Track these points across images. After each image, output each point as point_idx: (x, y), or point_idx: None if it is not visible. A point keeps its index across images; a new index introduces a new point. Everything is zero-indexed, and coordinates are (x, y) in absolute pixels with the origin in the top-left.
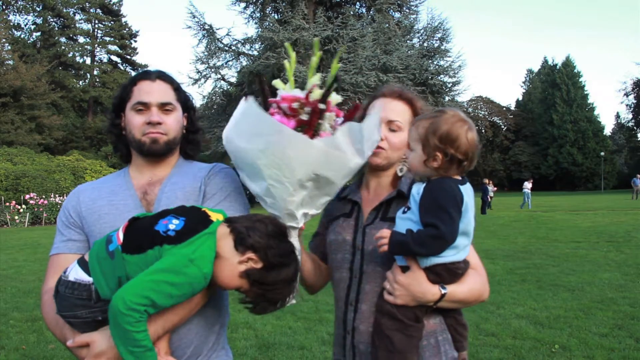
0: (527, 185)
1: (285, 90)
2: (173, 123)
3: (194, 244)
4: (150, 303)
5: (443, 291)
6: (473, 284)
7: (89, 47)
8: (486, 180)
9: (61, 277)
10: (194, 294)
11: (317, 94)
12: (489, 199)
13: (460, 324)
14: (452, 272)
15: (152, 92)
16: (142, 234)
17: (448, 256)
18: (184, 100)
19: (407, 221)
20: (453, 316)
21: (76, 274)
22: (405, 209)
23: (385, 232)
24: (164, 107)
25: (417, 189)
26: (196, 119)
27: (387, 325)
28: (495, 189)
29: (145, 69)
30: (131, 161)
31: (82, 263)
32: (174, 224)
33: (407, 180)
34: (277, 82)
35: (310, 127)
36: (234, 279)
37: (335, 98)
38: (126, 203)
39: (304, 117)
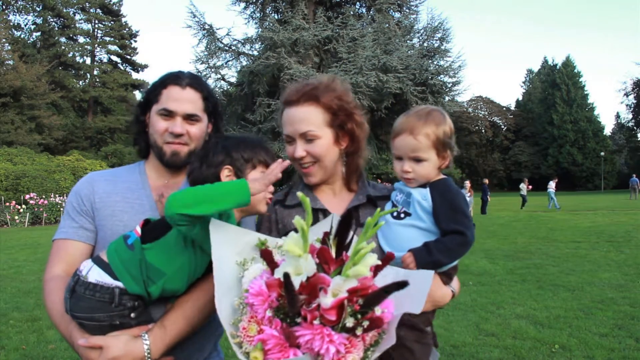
0: (552, 184)
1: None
2: (197, 133)
3: None
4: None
5: (453, 291)
6: (457, 280)
7: (89, 47)
8: (486, 181)
9: (79, 278)
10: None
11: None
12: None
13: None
14: (455, 271)
15: (180, 100)
16: (159, 225)
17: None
18: (212, 108)
19: (411, 228)
20: (433, 313)
21: (98, 275)
22: (401, 214)
23: (409, 257)
24: (189, 118)
25: (421, 194)
26: (222, 126)
27: (407, 337)
28: (530, 187)
29: (178, 72)
30: (149, 158)
31: (101, 264)
32: None
33: (365, 181)
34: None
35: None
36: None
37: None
38: (142, 203)
39: (349, 322)
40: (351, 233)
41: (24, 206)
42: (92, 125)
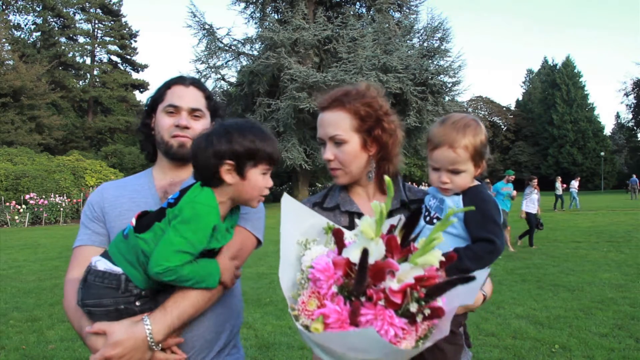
0: (574, 184)
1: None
2: (200, 129)
3: (190, 193)
4: (182, 257)
5: (484, 294)
6: (490, 284)
7: (89, 47)
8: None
9: (90, 268)
10: (213, 227)
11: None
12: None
13: (465, 319)
14: (488, 276)
15: (184, 96)
16: (151, 216)
17: None
18: (214, 109)
19: (442, 234)
20: (465, 315)
21: (105, 264)
22: (434, 220)
23: None
24: (193, 112)
25: (454, 201)
26: None
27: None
28: (565, 185)
29: (181, 75)
30: (156, 162)
31: (106, 256)
32: (172, 198)
33: (400, 185)
34: (366, 231)
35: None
36: (246, 184)
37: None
38: (147, 201)
39: (413, 307)
40: (416, 230)
41: (24, 206)
42: (92, 125)
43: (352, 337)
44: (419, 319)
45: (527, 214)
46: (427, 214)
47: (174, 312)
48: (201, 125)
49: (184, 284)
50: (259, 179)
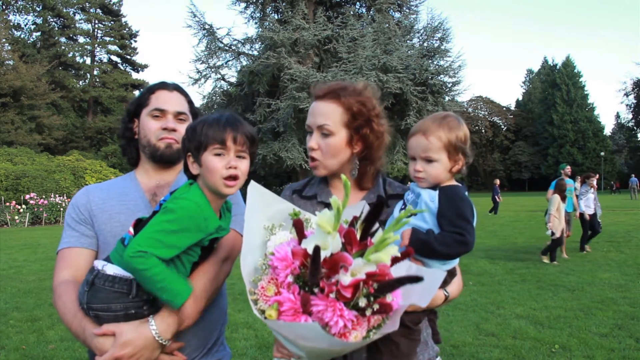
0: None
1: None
2: None
3: (178, 191)
4: (155, 244)
5: (446, 294)
6: (458, 284)
7: (89, 47)
8: (497, 181)
9: (97, 271)
10: (200, 228)
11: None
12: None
13: (436, 317)
14: (452, 276)
15: (169, 100)
16: (146, 221)
17: (453, 262)
18: (194, 113)
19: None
20: (433, 311)
21: (115, 269)
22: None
23: (406, 231)
24: (179, 115)
25: (430, 196)
26: None
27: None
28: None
29: (162, 80)
30: (138, 165)
31: (110, 262)
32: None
33: (380, 180)
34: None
35: (363, 312)
36: (204, 169)
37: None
38: (137, 204)
39: (362, 302)
40: (377, 223)
41: (24, 206)
42: (92, 125)
43: (299, 328)
44: (368, 312)
45: (582, 214)
46: (404, 207)
47: (180, 309)
48: (185, 127)
49: (149, 284)
50: (213, 160)
